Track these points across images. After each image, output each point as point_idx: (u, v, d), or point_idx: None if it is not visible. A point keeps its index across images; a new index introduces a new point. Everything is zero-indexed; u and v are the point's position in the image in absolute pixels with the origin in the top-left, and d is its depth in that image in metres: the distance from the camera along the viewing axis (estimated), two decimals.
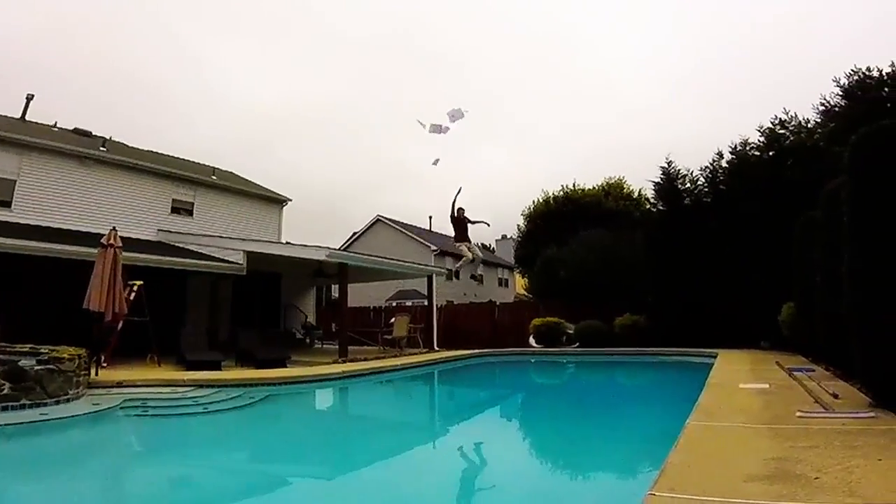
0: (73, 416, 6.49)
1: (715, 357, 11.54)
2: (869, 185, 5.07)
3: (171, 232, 16.55)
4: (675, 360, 14.14)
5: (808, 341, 10.06)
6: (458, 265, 12.69)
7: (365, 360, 13.43)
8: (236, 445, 6.68)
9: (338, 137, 70.97)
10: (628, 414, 8.61)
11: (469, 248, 11.92)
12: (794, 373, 7.94)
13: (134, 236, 14.61)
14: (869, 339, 4.98)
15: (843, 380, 7.10)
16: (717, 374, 8.72)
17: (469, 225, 12.04)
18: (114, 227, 10.40)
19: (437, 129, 10.86)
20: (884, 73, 14.84)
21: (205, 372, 9.90)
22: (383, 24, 50.86)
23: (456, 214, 11.75)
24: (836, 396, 5.67)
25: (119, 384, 8.16)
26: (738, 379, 7.90)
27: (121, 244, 10.17)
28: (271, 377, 9.79)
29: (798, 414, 4.86)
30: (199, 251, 14.92)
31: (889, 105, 13.80)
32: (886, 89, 14.59)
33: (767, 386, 6.98)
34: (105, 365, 9.90)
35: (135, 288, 11.29)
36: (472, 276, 12.73)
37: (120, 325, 10.56)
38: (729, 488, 2.88)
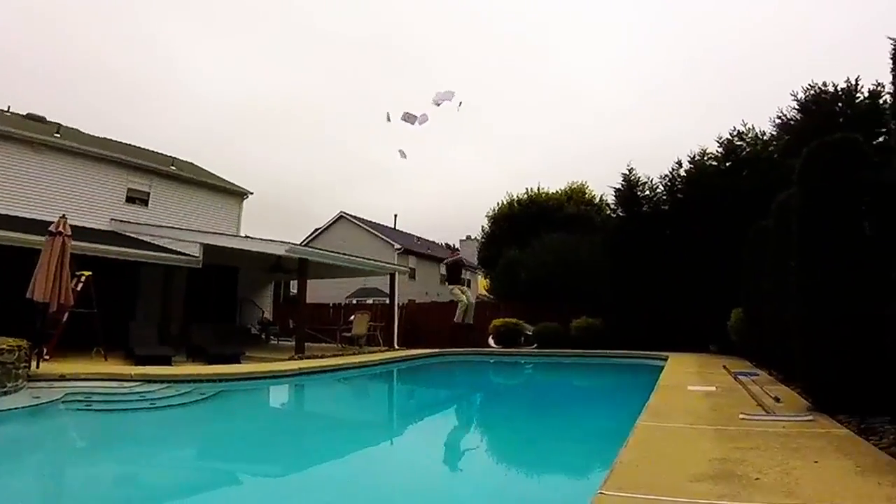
0: (10, 410, 6.22)
1: (666, 360, 11.85)
2: (817, 197, 5.29)
3: (124, 222, 16.02)
4: (629, 363, 14.44)
5: (754, 346, 10.43)
6: (457, 316, 12.43)
7: (322, 357, 13.27)
8: (184, 442, 6.49)
9: (305, 132, 69.93)
10: (581, 414, 8.74)
11: (462, 292, 11.71)
12: (740, 376, 8.21)
13: (85, 225, 14.08)
14: (810, 347, 5.19)
15: (784, 384, 7.38)
16: (667, 376, 8.95)
17: (464, 269, 11.89)
18: (63, 215, 9.98)
19: (411, 119, 10.59)
20: (839, 88, 15.38)
21: (154, 367, 9.61)
22: (358, 21, 50.30)
23: (451, 259, 11.60)
24: (777, 400, 5.89)
25: (62, 377, 7.83)
26: (687, 381, 8.12)
27: (70, 232, 9.77)
28: (224, 373, 9.55)
29: (741, 416, 5.02)
30: (153, 242, 14.49)
31: (842, 120, 14.33)
32: (840, 104, 15.15)
33: (714, 389, 7.19)
34: (48, 357, 9.49)
35: (82, 279, 10.86)
36: (466, 321, 12.49)
37: (65, 316, 10.14)
38: (675, 488, 2.95)
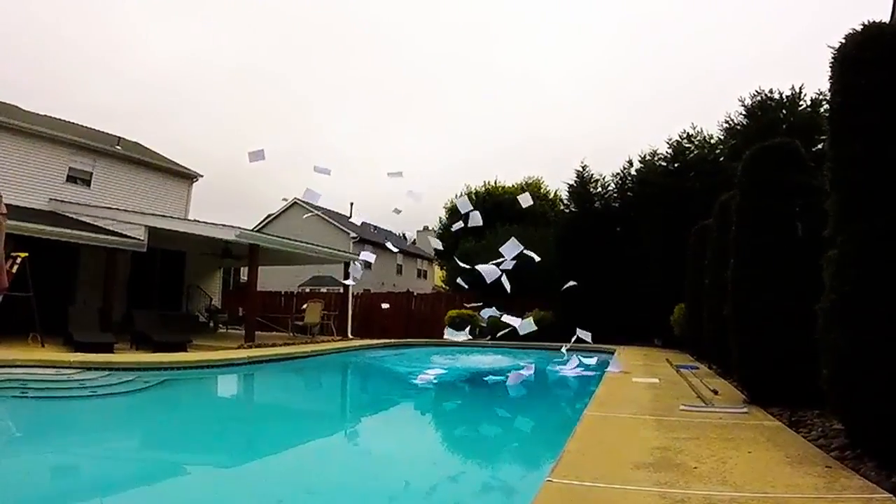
0: None
1: (613, 353, 12.22)
2: (754, 198, 5.55)
3: (64, 202, 15.28)
4: (578, 356, 14.76)
5: (695, 341, 10.86)
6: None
7: (273, 345, 13.06)
8: (125, 431, 6.28)
9: (259, 114, 68.17)
10: (532, 404, 8.92)
11: None
12: (681, 369, 8.55)
13: (22, 204, 13.37)
14: (744, 342, 5.45)
15: (722, 377, 7.73)
16: (613, 368, 9.22)
17: None
18: None
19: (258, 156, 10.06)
20: (784, 95, 16.11)
21: (94, 354, 9.24)
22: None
23: None
24: (715, 392, 6.17)
25: None
26: (632, 373, 8.41)
27: (6, 211, 9.23)
28: (169, 361, 9.28)
29: (681, 407, 5.24)
30: (95, 224, 13.89)
31: (785, 126, 14.99)
32: (784, 111, 15.86)
33: (657, 381, 7.47)
34: None
35: (18, 260, 10.30)
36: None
37: None
38: (619, 475, 3.07)
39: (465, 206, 11.99)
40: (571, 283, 10.48)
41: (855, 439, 3.47)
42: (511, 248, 10.56)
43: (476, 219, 11.60)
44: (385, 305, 16.42)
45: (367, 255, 11.96)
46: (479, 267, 10.69)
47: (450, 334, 10.27)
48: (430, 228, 38.75)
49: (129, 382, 7.78)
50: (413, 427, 7.50)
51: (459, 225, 11.78)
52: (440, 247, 15.70)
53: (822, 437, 3.91)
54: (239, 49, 56.54)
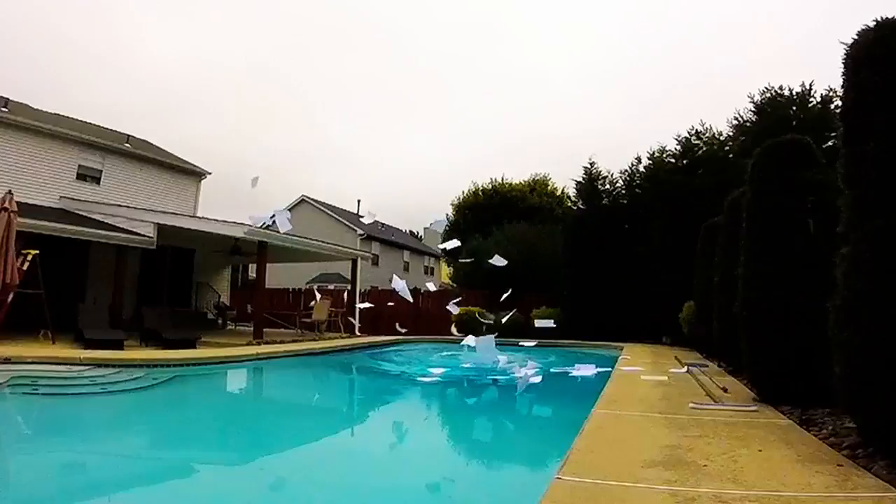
0: None
1: (621, 350, 12.18)
2: (765, 195, 5.51)
3: (74, 199, 15.39)
4: (585, 353, 14.74)
5: (704, 338, 10.80)
6: None
7: (281, 342, 13.11)
8: (135, 428, 6.32)
9: (265, 111, 68.40)
10: (539, 401, 8.90)
11: None
12: (690, 367, 8.51)
13: (33, 202, 13.47)
14: (754, 340, 5.42)
15: (732, 375, 7.69)
16: (621, 366, 9.20)
17: None
18: (9, 191, 9.52)
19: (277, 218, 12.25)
20: (794, 92, 15.92)
21: (104, 351, 9.30)
22: None
23: None
24: (725, 390, 6.14)
25: (6, 360, 7.51)
26: (641, 371, 8.38)
27: (16, 209, 9.34)
28: (178, 358, 9.34)
29: (691, 405, 5.22)
30: (105, 221, 13.97)
31: (795, 123, 14.84)
32: (794, 108, 15.70)
33: (666, 379, 7.44)
34: None
35: (29, 257, 10.39)
36: None
37: (10, 296, 9.69)
38: (628, 473, 3.06)
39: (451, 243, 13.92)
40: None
41: (867, 438, 3.45)
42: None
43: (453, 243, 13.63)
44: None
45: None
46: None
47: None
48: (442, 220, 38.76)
49: (138, 379, 7.84)
50: (418, 422, 7.51)
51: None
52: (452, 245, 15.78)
53: (834, 436, 3.89)
54: (244, 48, 56.80)
